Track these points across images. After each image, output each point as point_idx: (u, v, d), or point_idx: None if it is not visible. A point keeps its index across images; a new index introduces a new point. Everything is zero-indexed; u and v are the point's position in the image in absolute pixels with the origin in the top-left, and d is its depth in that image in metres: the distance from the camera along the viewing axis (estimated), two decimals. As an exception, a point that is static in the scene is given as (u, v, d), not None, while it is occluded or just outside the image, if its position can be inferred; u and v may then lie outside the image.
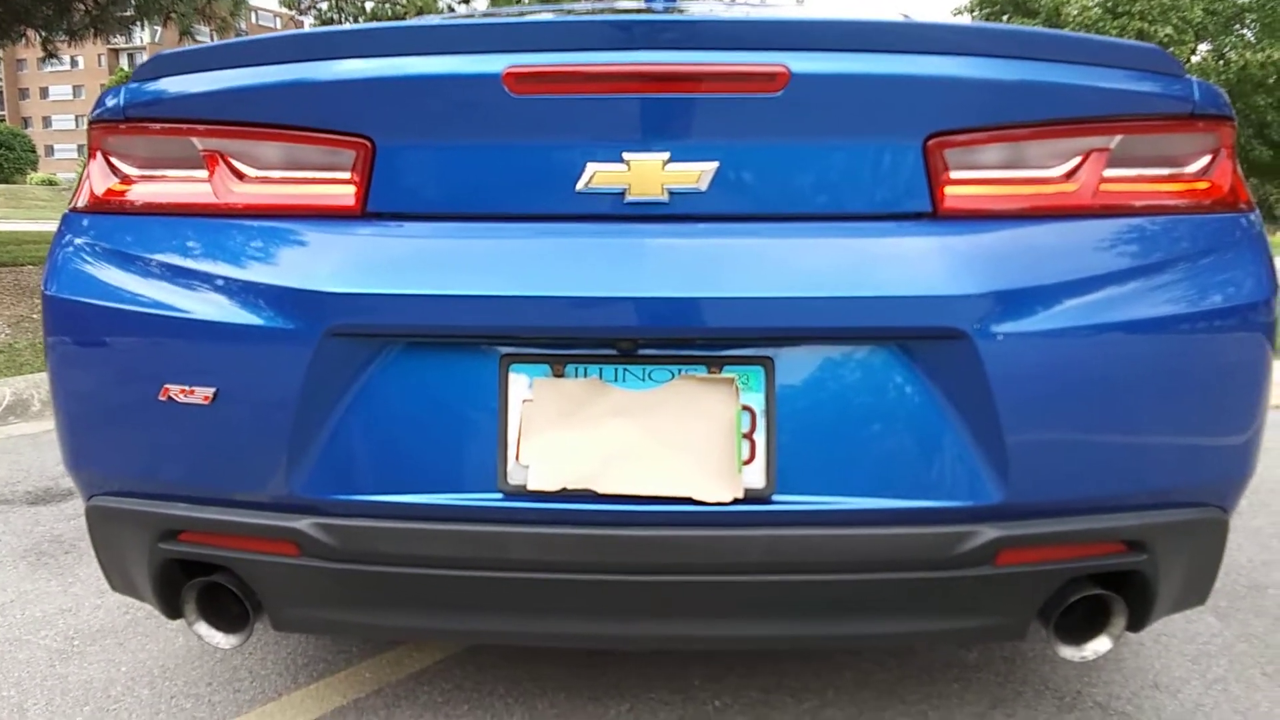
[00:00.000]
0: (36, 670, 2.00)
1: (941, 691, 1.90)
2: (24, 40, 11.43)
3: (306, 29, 1.41)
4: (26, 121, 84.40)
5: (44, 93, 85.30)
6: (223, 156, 1.41)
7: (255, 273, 1.36)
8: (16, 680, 1.96)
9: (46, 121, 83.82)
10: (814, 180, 1.36)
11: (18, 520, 2.95)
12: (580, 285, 1.30)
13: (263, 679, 1.96)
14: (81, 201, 1.50)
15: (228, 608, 1.50)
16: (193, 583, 1.45)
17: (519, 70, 1.32)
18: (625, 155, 1.33)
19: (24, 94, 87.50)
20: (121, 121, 1.46)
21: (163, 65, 1.45)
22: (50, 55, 11.76)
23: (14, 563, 2.60)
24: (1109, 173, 1.37)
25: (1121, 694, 1.90)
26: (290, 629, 1.49)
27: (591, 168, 1.33)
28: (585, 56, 1.32)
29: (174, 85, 1.43)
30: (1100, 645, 1.42)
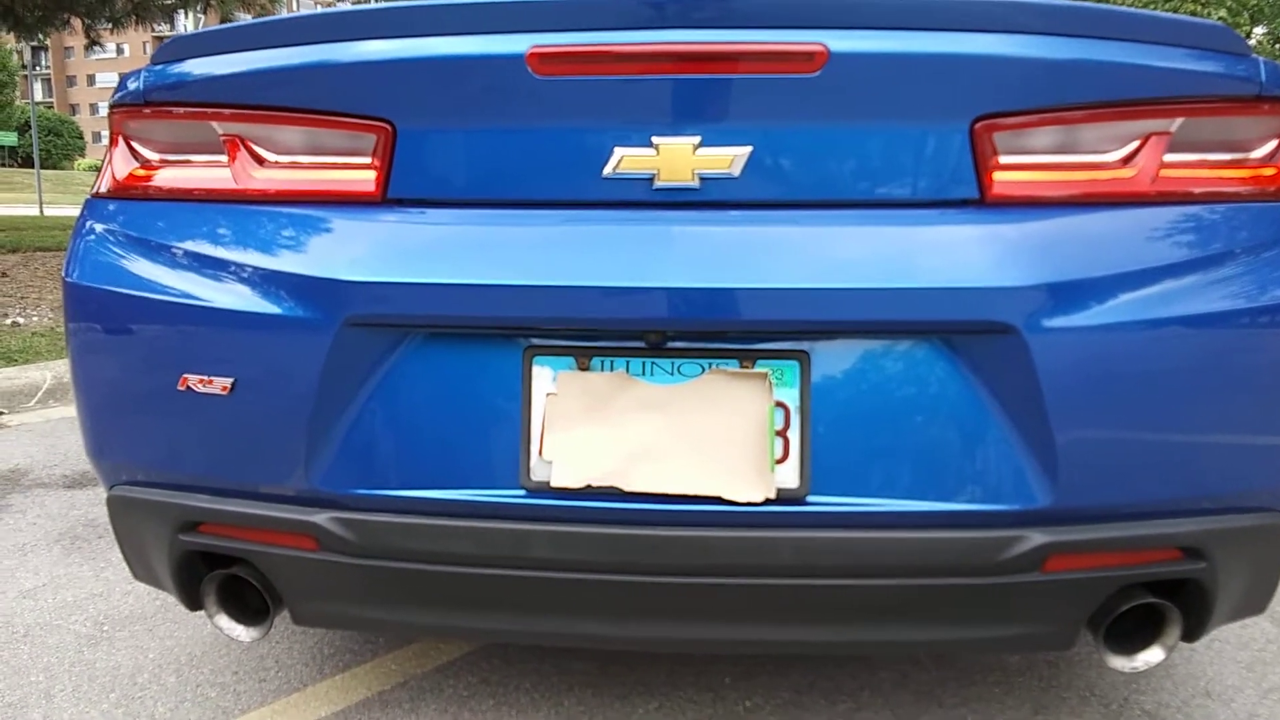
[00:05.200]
0: (65, 656, 2.01)
1: (982, 695, 1.84)
2: (69, 28, 11.60)
3: (324, 9, 1.36)
4: (74, 108, 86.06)
5: (91, 80, 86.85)
6: (243, 141, 1.38)
7: (273, 260, 1.33)
8: (45, 665, 1.97)
9: (94, 108, 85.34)
10: (853, 165, 1.29)
11: (53, 504, 2.98)
12: (606, 275, 1.25)
13: (288, 669, 1.94)
14: (103, 187, 1.49)
15: (249, 600, 1.48)
16: (213, 574, 1.43)
17: (543, 50, 1.26)
18: (654, 139, 1.27)
19: (71, 81, 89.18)
20: (142, 106, 1.43)
21: (182, 48, 1.42)
22: (94, 43, 11.93)
23: (48, 546, 2.62)
24: (1169, 157, 1.29)
25: (1171, 702, 1.82)
26: (310, 623, 1.47)
27: (619, 152, 1.28)
28: (611, 36, 1.27)
29: (193, 68, 1.40)
30: (1152, 656, 1.35)
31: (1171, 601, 1.33)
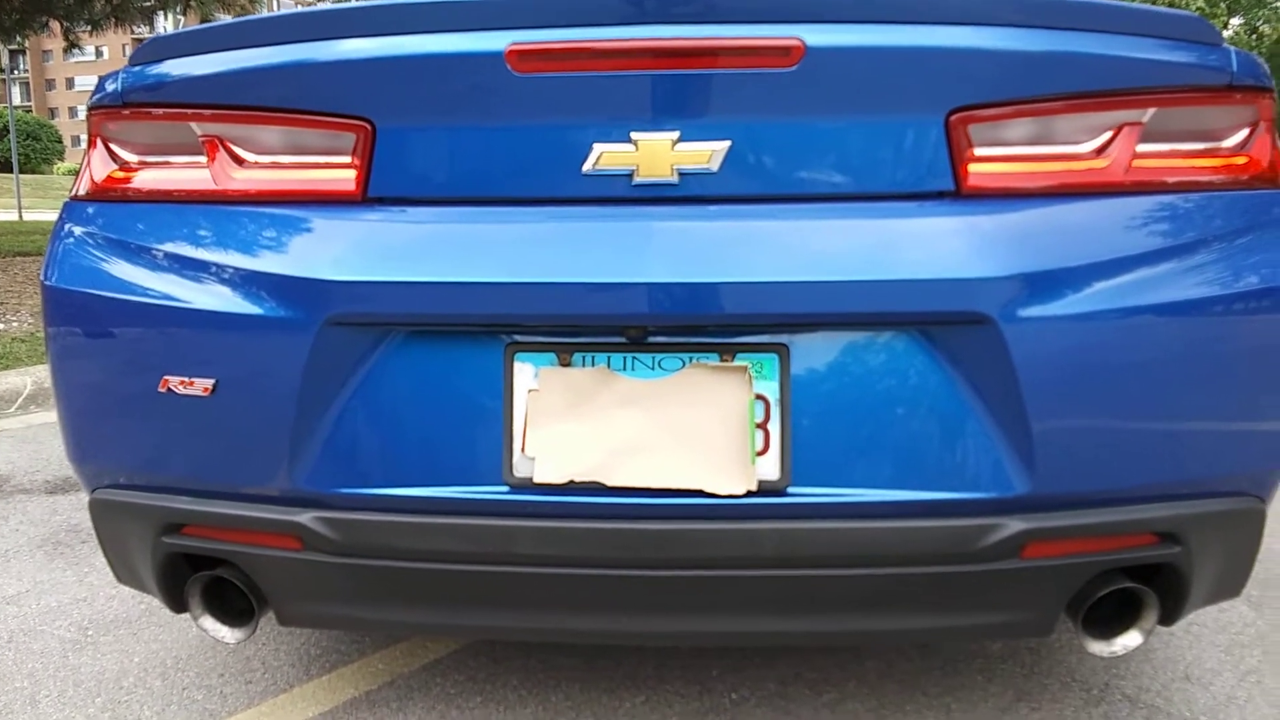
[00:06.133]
0: (50, 661, 2.00)
1: (965, 684, 1.86)
2: (48, 31, 11.51)
3: (303, 8, 1.36)
4: (53, 112, 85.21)
5: (70, 83, 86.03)
6: (222, 142, 1.38)
7: (254, 260, 1.33)
8: (30, 671, 1.96)
9: (73, 112, 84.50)
10: (831, 159, 1.30)
11: (35, 510, 2.96)
12: (587, 271, 1.25)
13: (275, 670, 1.94)
14: (81, 189, 1.48)
15: (233, 601, 1.48)
16: (197, 576, 1.43)
17: (522, 48, 1.27)
18: (633, 135, 1.28)
19: (50, 85, 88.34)
20: (121, 107, 1.43)
21: (160, 49, 1.42)
22: (73, 45, 11.83)
23: (30, 552, 2.61)
24: (1142, 148, 1.31)
25: (1151, 686, 1.84)
26: (296, 624, 1.47)
27: (598, 148, 1.29)
28: (589, 32, 1.27)
29: (172, 69, 1.40)
30: (1131, 640, 1.37)
31: (1148, 586, 1.34)
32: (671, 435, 1.29)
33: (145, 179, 1.43)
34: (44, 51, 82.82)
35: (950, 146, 1.29)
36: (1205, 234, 1.30)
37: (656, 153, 1.28)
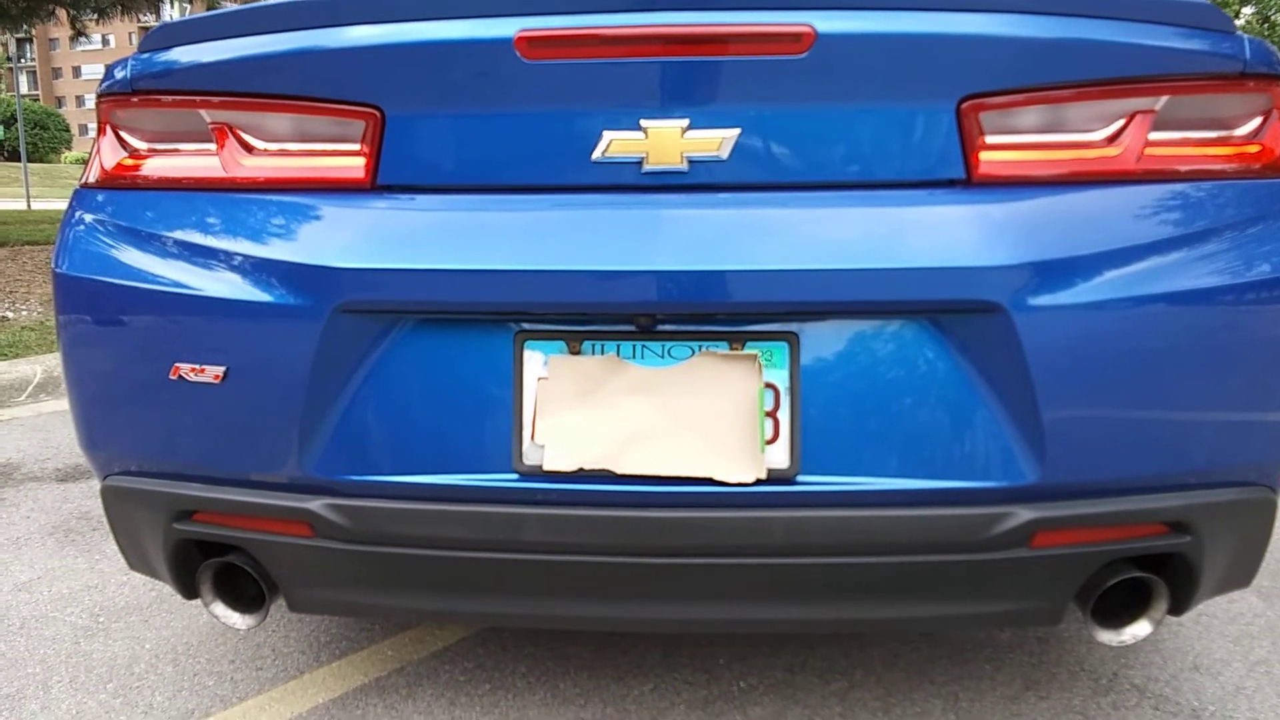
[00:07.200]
0: (62, 647, 2.01)
1: (973, 673, 1.86)
2: (54, 19, 11.51)
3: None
4: (60, 101, 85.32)
5: (76, 72, 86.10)
6: (231, 129, 1.38)
7: (263, 248, 1.33)
8: (42, 657, 1.97)
9: (80, 101, 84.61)
10: (841, 147, 1.30)
11: (46, 497, 2.97)
12: (596, 259, 1.25)
13: (285, 656, 1.95)
14: (91, 177, 1.49)
15: (244, 588, 1.49)
16: (208, 563, 1.44)
17: (531, 34, 1.27)
18: (643, 122, 1.28)
19: (57, 73, 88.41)
20: (130, 94, 1.43)
21: (169, 35, 1.42)
22: (79, 34, 11.84)
23: (42, 539, 2.62)
24: (1154, 136, 1.30)
25: (1160, 676, 1.84)
26: (306, 610, 1.48)
27: (608, 136, 1.28)
28: (599, 19, 1.27)
29: (181, 56, 1.40)
30: (1140, 629, 1.37)
31: (1158, 575, 1.34)
32: (681, 423, 1.29)
33: (155, 166, 1.43)
34: (51, 40, 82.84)
35: (961, 134, 1.28)
36: (1217, 223, 1.30)
37: (666, 140, 1.28)
